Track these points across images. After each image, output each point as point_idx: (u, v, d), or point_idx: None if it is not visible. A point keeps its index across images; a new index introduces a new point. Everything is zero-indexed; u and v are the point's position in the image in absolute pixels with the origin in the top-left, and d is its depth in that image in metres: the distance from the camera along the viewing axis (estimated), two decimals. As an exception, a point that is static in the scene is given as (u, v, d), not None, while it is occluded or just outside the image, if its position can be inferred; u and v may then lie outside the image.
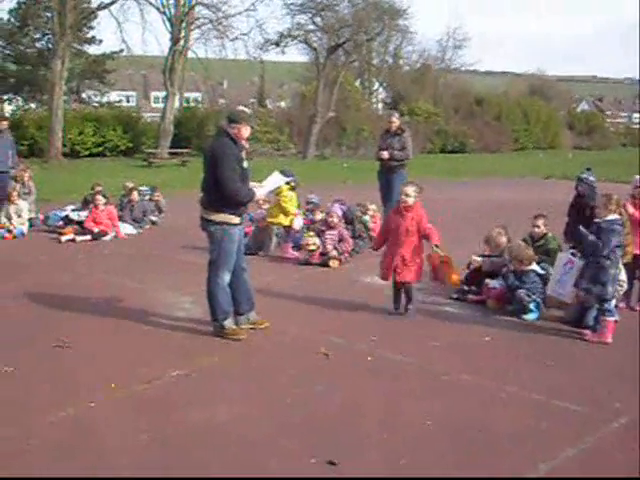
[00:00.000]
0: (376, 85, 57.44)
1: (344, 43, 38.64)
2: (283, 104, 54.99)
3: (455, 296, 8.61)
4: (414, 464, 4.43)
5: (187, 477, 3.97)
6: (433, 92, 53.80)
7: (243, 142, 6.94)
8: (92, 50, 49.23)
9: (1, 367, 5.99)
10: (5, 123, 14.41)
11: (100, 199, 12.70)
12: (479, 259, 8.79)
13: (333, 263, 10.38)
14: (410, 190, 7.85)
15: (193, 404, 5.32)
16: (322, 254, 10.43)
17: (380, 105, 56.76)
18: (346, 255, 10.58)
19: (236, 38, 36.49)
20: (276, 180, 7.70)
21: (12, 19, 49.07)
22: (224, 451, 4.59)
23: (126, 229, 13.06)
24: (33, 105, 46.23)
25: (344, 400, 5.44)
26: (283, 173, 8.17)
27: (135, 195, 13.83)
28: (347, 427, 4.94)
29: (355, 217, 11.96)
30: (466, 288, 8.65)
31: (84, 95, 49.66)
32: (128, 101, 61.62)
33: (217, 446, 4.65)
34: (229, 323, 6.96)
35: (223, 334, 6.90)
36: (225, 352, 6.55)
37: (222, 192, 6.71)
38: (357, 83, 53.44)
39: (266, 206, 11.67)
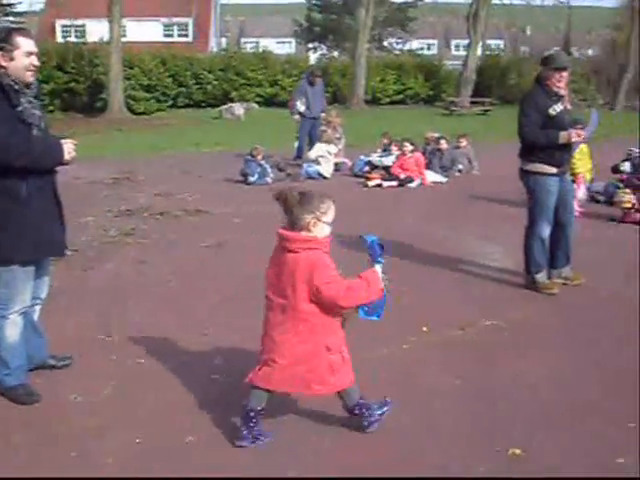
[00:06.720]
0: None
1: (666, -17, 35.36)
2: (590, 52, 51.81)
3: None
4: None
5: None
6: None
7: (556, 88, 6.42)
8: (395, -2, 49.98)
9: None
10: (319, 80, 15.35)
11: (407, 146, 12.80)
12: None
13: (651, 223, 9.52)
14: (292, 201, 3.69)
15: (505, 356, 5.15)
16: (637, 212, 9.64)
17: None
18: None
19: (545, -19, 35.11)
20: (594, 121, 7.11)
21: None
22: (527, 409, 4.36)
23: (433, 177, 13.07)
24: (336, 53, 48.13)
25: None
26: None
27: (444, 143, 13.79)
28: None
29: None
30: None
31: (386, 43, 50.70)
32: (429, 49, 61.69)
33: (521, 402, 4.43)
34: (541, 277, 6.67)
35: (534, 287, 6.65)
36: (535, 305, 6.28)
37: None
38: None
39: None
